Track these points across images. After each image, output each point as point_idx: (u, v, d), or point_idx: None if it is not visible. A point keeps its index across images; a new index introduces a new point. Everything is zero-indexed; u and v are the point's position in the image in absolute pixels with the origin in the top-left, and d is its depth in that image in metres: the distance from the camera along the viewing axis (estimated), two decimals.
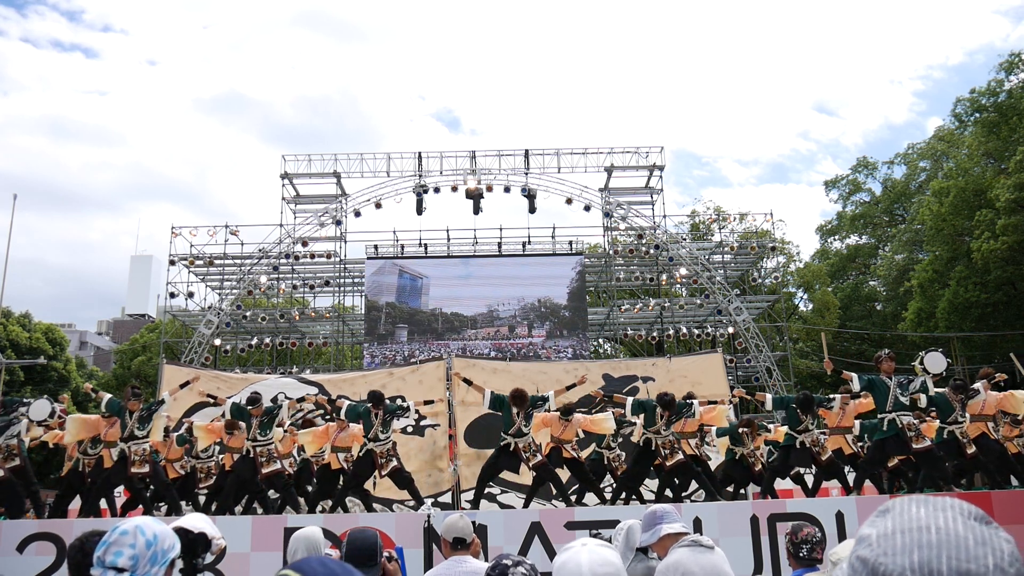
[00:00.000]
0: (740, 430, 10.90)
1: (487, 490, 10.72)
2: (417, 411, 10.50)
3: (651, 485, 10.90)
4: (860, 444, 10.93)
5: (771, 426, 11.82)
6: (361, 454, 9.56)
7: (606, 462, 11.37)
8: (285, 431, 10.76)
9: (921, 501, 0.86)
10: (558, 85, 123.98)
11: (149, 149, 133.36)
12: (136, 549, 2.16)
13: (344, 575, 1.45)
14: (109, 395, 9.94)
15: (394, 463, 9.51)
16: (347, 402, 10.63)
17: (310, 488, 10.63)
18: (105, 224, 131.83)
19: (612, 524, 4.50)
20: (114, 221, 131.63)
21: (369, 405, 9.71)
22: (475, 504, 9.46)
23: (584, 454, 11.22)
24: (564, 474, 10.12)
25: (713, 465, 11.15)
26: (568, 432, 9.96)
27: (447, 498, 12.17)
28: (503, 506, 11.95)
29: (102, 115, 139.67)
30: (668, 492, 10.02)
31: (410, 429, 12.55)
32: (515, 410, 9.37)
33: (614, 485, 10.71)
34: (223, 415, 10.39)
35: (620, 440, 11.68)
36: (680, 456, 9.59)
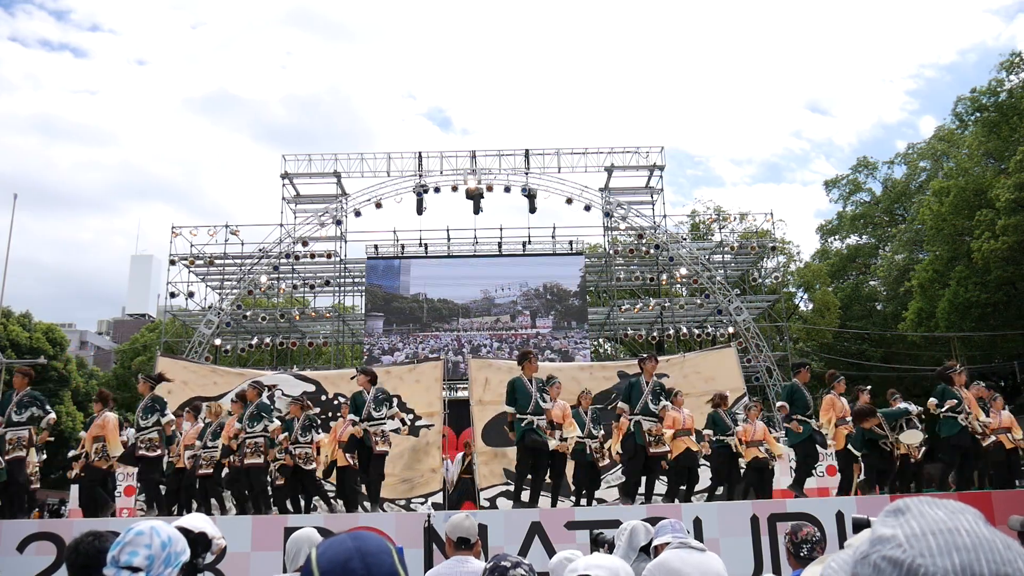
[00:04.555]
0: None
1: (489, 489, 10.68)
2: (403, 419, 10.14)
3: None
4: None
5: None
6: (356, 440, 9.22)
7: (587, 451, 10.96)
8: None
9: (934, 503, 0.86)
10: (558, 85, 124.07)
11: (140, 148, 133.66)
12: (152, 550, 2.17)
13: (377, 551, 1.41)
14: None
15: (386, 448, 9.19)
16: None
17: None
18: (97, 223, 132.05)
19: (613, 524, 4.50)
20: (106, 220, 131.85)
21: (361, 380, 9.33)
22: (519, 502, 8.96)
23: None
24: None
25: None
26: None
27: (439, 498, 12.16)
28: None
29: (92, 115, 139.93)
30: (668, 485, 9.92)
31: (405, 430, 12.54)
32: (527, 381, 8.93)
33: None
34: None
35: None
36: (664, 447, 9.21)
